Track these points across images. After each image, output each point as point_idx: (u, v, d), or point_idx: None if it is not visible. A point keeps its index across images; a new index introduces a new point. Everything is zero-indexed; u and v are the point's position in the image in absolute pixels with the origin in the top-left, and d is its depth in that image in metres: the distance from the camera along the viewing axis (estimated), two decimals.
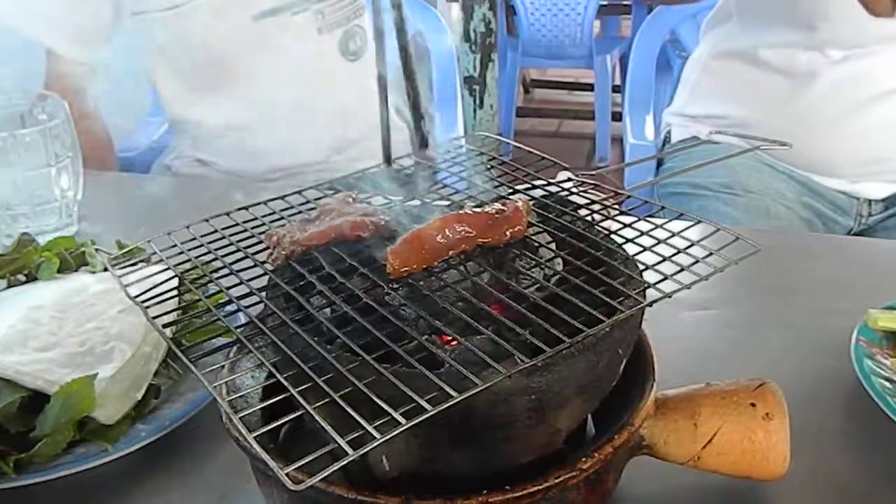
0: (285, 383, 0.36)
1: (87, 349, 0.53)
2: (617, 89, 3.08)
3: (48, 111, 0.85)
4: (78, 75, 1.22)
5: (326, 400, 0.35)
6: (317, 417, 0.33)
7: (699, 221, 0.49)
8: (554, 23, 2.88)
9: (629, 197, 0.53)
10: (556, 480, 0.40)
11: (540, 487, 0.40)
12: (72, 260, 0.66)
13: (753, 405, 0.47)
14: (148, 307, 0.43)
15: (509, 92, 3.08)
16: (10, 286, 0.65)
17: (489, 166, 0.58)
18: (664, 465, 0.49)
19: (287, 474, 0.31)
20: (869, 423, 0.54)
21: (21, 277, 0.65)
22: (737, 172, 1.09)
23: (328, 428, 0.33)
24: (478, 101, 2.34)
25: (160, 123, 1.56)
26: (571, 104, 3.59)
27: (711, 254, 0.45)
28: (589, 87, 3.14)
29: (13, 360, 0.51)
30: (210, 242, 0.50)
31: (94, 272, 0.65)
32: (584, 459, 0.41)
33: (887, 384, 0.55)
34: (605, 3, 3.00)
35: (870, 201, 1.12)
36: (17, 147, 0.80)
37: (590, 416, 0.49)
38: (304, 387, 0.36)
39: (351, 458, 0.32)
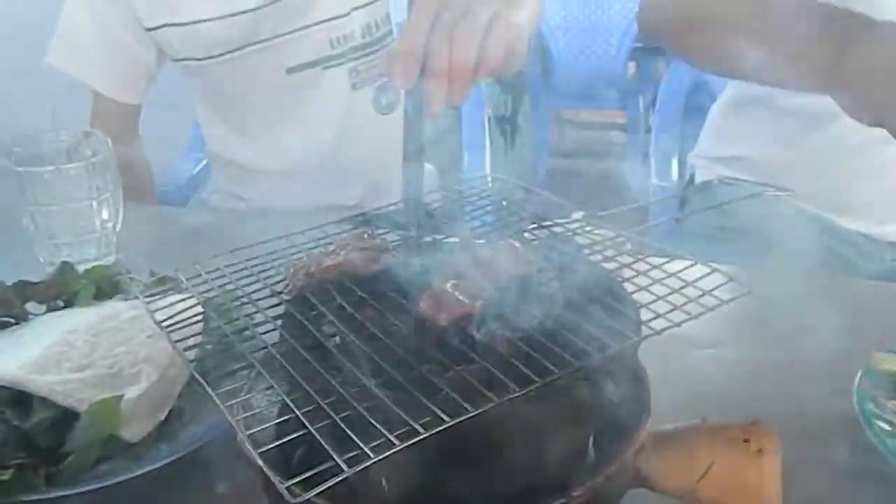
0: (290, 404, 0.38)
1: (116, 371, 0.57)
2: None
3: (93, 147, 0.90)
4: (122, 114, 1.29)
5: (328, 421, 0.38)
6: (317, 436, 0.36)
7: (695, 263, 0.51)
8: (587, 65, 2.92)
9: (625, 238, 0.55)
10: None
11: None
12: (107, 288, 0.70)
13: (747, 441, 0.49)
14: (172, 332, 0.47)
15: (543, 132, 3.12)
16: (49, 311, 0.69)
17: (500, 206, 0.61)
18: (663, 499, 0.50)
19: (287, 488, 0.34)
20: (868, 466, 0.55)
21: (60, 303, 0.70)
22: (756, 214, 1.10)
23: (327, 446, 0.35)
24: (509, 142, 2.39)
25: (199, 159, 1.62)
26: (606, 144, 3.62)
27: (704, 294, 0.47)
28: (624, 128, 3.17)
29: (48, 379, 0.55)
30: (233, 273, 0.53)
31: (126, 300, 0.69)
32: (576, 488, 0.43)
33: (887, 427, 0.56)
34: (640, 45, 3.04)
35: (892, 244, 1.12)
36: (62, 180, 0.86)
37: (591, 446, 0.50)
38: (309, 408, 0.39)
39: (346, 475, 0.34)
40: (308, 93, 1.23)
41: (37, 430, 0.53)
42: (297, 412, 0.38)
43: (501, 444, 0.42)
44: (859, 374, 0.61)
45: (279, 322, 0.47)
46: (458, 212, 0.63)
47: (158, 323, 0.48)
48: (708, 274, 0.50)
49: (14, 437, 0.53)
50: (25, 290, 0.68)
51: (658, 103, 1.67)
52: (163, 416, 0.57)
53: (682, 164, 1.53)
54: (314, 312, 0.48)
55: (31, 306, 0.70)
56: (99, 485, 0.53)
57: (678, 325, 0.44)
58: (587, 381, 0.44)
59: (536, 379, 0.40)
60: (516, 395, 0.39)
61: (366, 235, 0.55)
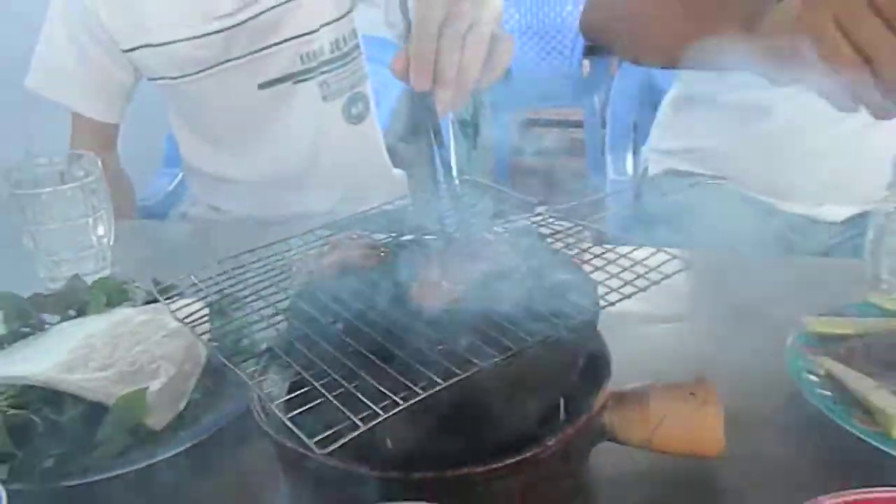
0: (308, 378, 0.46)
1: (137, 368, 0.63)
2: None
3: (84, 168, 0.96)
4: (101, 133, 1.34)
5: (340, 390, 0.45)
6: (334, 402, 0.43)
7: (644, 246, 0.59)
8: (543, 65, 3.02)
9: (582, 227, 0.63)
10: (528, 455, 0.50)
11: (514, 461, 0.49)
12: (115, 296, 0.76)
13: (693, 395, 0.57)
14: (194, 326, 0.54)
15: (503, 131, 3.21)
16: (62, 320, 0.75)
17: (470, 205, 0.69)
18: (625, 451, 0.58)
19: (314, 442, 0.41)
20: (798, 412, 0.63)
21: (71, 312, 0.76)
22: (703, 202, 1.19)
23: (343, 409, 0.43)
24: (472, 143, 2.48)
25: (173, 175, 1.68)
26: (564, 141, 3.73)
27: (651, 271, 0.55)
28: (580, 125, 3.27)
29: (77, 377, 0.61)
30: (240, 274, 0.60)
31: (134, 306, 0.75)
32: (550, 438, 0.51)
33: (815, 379, 0.65)
34: (591, 44, 3.15)
35: (829, 224, 1.22)
36: (60, 201, 0.91)
37: (562, 407, 0.58)
38: (323, 381, 0.46)
39: (361, 431, 0.41)
40: (280, 106, 1.29)
41: (71, 423, 0.59)
42: (315, 384, 0.45)
43: (486, 403, 0.49)
44: (792, 336, 0.70)
45: (288, 313, 0.54)
46: (433, 212, 0.71)
47: (180, 320, 0.55)
48: (654, 254, 0.58)
49: (51, 430, 0.59)
50: (40, 302, 0.74)
51: (611, 100, 1.76)
52: (182, 406, 0.63)
53: (636, 157, 1.63)
54: (318, 303, 0.55)
55: (45, 317, 0.75)
56: (128, 469, 0.59)
57: (629, 296, 0.53)
58: (556, 349, 0.51)
59: (513, 347, 0.48)
60: (496, 359, 0.47)
61: (355, 236, 0.63)
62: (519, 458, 0.49)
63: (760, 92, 1.17)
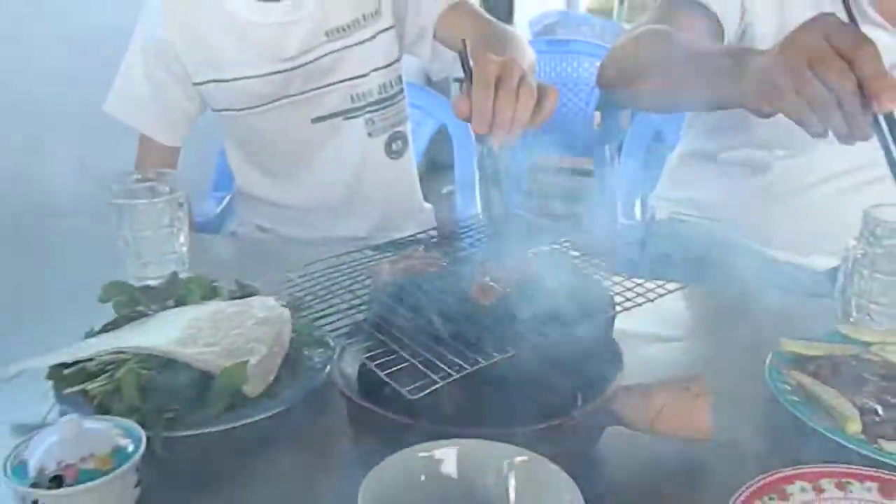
0: (395, 347, 0.60)
1: (236, 347, 0.78)
2: None
3: (170, 184, 1.11)
4: (165, 154, 1.50)
5: (420, 358, 0.60)
6: (419, 366, 0.58)
7: (633, 276, 0.74)
8: (559, 115, 3.21)
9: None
10: (553, 423, 0.64)
11: (545, 426, 0.63)
12: (208, 292, 0.91)
13: (688, 388, 0.71)
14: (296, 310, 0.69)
15: (519, 176, 3.39)
16: (161, 309, 0.90)
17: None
18: (631, 434, 0.72)
19: (407, 391, 0.55)
20: (773, 411, 0.78)
21: (170, 303, 0.90)
22: (704, 244, 1.34)
23: (425, 370, 0.57)
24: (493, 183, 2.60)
25: (221, 198, 1.83)
26: (574, 188, 3.90)
27: (655, 288, 0.70)
28: (589, 173, 3.45)
29: (190, 351, 0.76)
30: (330, 274, 0.75)
31: (222, 301, 0.90)
32: (569, 414, 0.65)
33: (787, 387, 0.79)
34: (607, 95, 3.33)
35: (815, 273, 1.37)
36: (151, 211, 1.06)
37: (581, 392, 0.72)
38: (405, 351, 0.60)
39: (439, 385, 0.56)
40: (330, 139, 1.45)
41: (185, 386, 0.74)
42: (402, 352, 0.60)
43: (524, 380, 0.64)
44: (771, 354, 0.85)
45: (371, 304, 0.69)
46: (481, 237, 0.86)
47: (283, 305, 0.70)
48: (654, 279, 0.73)
49: (170, 391, 0.73)
50: (147, 293, 0.89)
51: (623, 152, 1.93)
52: (271, 380, 0.77)
53: (643, 204, 1.78)
54: (393, 298, 0.70)
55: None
56: (229, 425, 0.73)
57: (640, 304, 0.67)
58: (579, 343, 0.66)
59: (547, 335, 0.62)
60: (534, 342, 0.62)
61: (420, 249, 0.78)
62: (545, 425, 0.63)
63: (756, 151, 1.33)
